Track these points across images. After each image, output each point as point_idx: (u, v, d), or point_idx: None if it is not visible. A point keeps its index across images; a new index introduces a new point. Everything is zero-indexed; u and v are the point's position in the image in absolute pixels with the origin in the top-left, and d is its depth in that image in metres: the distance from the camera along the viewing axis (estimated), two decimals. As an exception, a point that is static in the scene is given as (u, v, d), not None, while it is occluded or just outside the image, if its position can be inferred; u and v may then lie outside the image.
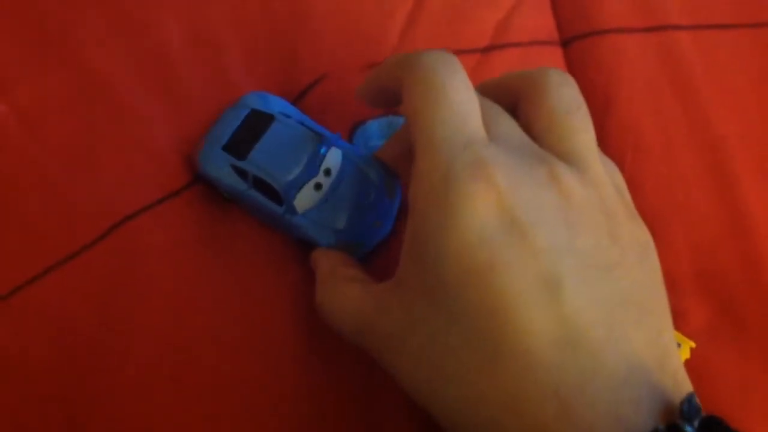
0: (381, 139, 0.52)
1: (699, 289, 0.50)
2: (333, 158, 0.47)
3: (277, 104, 0.50)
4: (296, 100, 0.53)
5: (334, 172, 0.47)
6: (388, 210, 0.48)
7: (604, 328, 0.33)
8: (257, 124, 0.48)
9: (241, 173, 0.47)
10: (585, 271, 0.34)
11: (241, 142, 0.48)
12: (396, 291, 0.38)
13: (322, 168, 0.47)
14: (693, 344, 0.45)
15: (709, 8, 0.57)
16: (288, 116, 0.48)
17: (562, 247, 0.34)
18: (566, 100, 0.39)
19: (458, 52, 0.55)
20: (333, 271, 0.45)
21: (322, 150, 0.47)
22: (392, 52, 0.54)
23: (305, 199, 0.47)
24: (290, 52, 0.54)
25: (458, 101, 0.37)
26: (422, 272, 0.36)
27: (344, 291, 0.42)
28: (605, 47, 0.56)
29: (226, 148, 0.48)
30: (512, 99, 0.41)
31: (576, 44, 0.56)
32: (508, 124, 0.39)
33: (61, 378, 0.46)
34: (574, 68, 0.56)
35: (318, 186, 0.47)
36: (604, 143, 0.52)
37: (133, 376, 0.46)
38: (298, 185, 0.46)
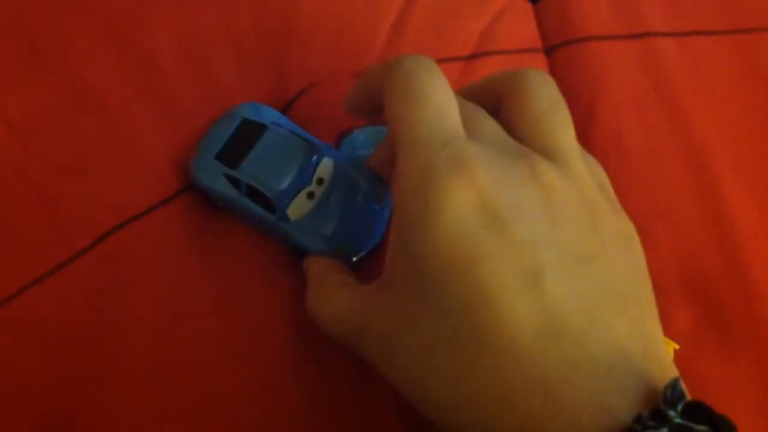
0: (368, 147, 0.52)
1: (683, 292, 0.51)
2: (325, 167, 0.48)
3: (269, 114, 0.50)
4: (285, 108, 0.53)
5: (326, 181, 0.48)
6: (378, 217, 0.49)
7: (587, 317, 0.34)
8: (249, 133, 0.48)
9: (234, 182, 0.48)
10: (566, 262, 0.35)
11: (233, 152, 0.48)
12: (384, 291, 0.39)
13: (315, 177, 0.47)
14: (677, 346, 0.46)
15: (692, 15, 0.58)
16: (280, 126, 0.49)
17: (543, 240, 0.35)
18: (546, 98, 0.40)
19: (443, 60, 0.55)
20: (323, 277, 0.45)
21: (314, 159, 0.47)
22: (379, 61, 0.55)
23: (298, 207, 0.47)
24: (279, 61, 0.55)
25: (437, 101, 0.38)
26: (408, 270, 0.37)
27: (335, 295, 0.43)
28: (588, 54, 0.56)
29: (219, 157, 0.48)
30: (493, 100, 0.41)
31: (559, 52, 0.57)
32: (487, 123, 0.40)
33: (54, 386, 0.46)
34: (557, 75, 0.56)
35: (310, 195, 0.48)
36: (587, 149, 0.53)
37: (126, 383, 0.46)
38: (290, 194, 0.47)
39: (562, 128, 0.39)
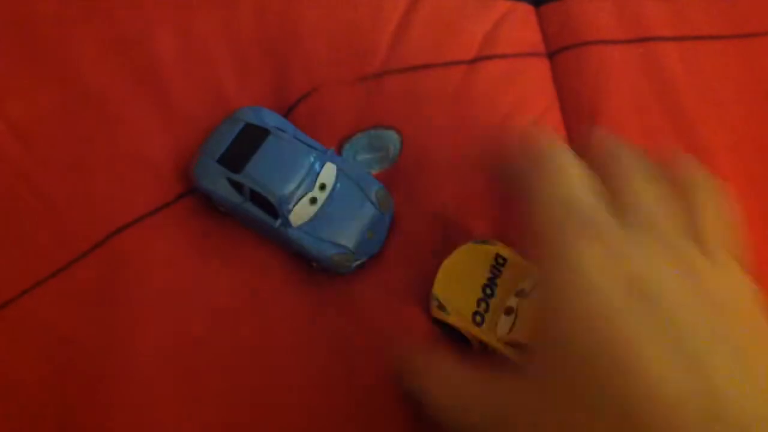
0: (369, 152, 0.52)
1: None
2: (328, 173, 0.48)
3: (271, 118, 0.50)
4: (287, 113, 0.53)
5: (329, 187, 0.48)
6: (381, 223, 0.49)
7: (749, 403, 0.32)
8: (252, 138, 0.48)
9: (237, 186, 0.48)
10: (721, 346, 0.33)
11: (236, 156, 0.48)
12: (526, 377, 0.38)
13: (318, 182, 0.48)
14: None
15: (694, 19, 0.58)
16: (283, 131, 0.49)
17: (696, 321, 0.34)
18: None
19: (446, 64, 0.55)
20: (446, 368, 0.43)
21: (317, 164, 0.47)
22: (381, 66, 0.55)
23: (300, 212, 0.47)
24: (281, 66, 0.54)
25: (574, 176, 0.38)
26: (554, 348, 0.35)
27: (467, 386, 0.41)
28: (591, 59, 0.56)
29: (221, 161, 0.48)
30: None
31: (562, 56, 0.57)
32: (635, 197, 0.39)
33: (55, 389, 0.46)
34: (560, 79, 0.56)
35: (313, 200, 0.48)
36: (589, 155, 0.53)
37: (126, 386, 0.46)
38: (294, 199, 0.47)
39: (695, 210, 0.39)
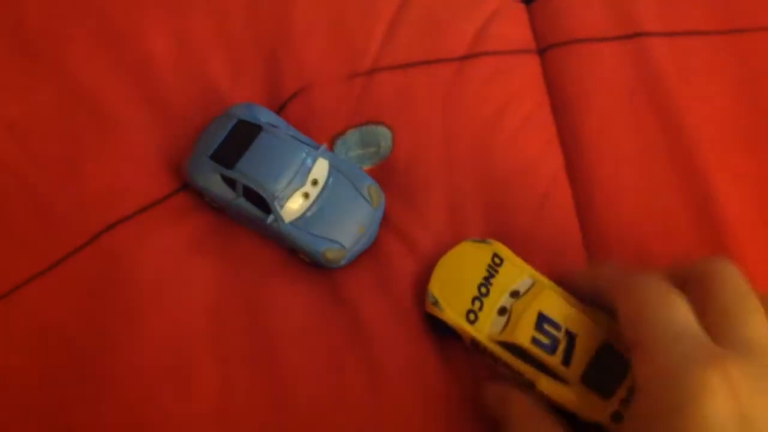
0: (361, 147, 0.53)
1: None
2: (320, 168, 0.48)
3: (264, 115, 0.51)
4: (279, 109, 0.53)
5: (321, 182, 0.48)
6: (372, 218, 0.49)
7: None
8: (245, 134, 0.49)
9: (230, 182, 0.48)
10: None
11: (229, 152, 0.48)
12: None
13: (310, 178, 0.48)
14: None
15: (684, 15, 0.58)
16: (275, 127, 0.49)
17: None
18: (731, 291, 0.40)
19: (437, 61, 0.56)
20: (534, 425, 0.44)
21: (309, 160, 0.48)
22: (373, 63, 0.55)
23: (293, 208, 0.48)
24: (274, 63, 0.55)
25: (679, 305, 0.38)
26: None
27: None
28: (581, 55, 0.57)
29: (214, 157, 0.49)
30: (680, 285, 0.41)
31: (552, 53, 0.57)
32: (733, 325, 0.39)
33: (47, 384, 0.47)
34: (550, 76, 0.57)
35: (306, 195, 0.48)
36: (580, 151, 0.53)
37: (120, 381, 0.47)
38: (286, 195, 0.47)
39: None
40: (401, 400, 0.47)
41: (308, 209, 0.48)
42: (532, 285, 0.46)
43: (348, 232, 0.48)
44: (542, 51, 0.58)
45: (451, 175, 0.52)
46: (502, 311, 0.45)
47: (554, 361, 0.43)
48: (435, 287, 0.47)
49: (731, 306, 0.39)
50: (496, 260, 0.47)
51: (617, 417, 0.42)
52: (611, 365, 0.43)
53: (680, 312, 0.38)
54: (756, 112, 0.55)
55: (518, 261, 0.47)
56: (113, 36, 0.54)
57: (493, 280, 0.46)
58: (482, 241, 0.48)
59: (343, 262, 0.48)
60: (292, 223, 0.48)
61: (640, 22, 0.57)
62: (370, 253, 0.50)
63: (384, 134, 0.53)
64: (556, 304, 0.44)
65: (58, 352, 0.47)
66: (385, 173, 0.52)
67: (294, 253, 0.49)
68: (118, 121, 0.52)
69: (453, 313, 0.46)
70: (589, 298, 0.45)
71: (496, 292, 0.46)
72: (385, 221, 0.50)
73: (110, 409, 0.46)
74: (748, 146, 0.54)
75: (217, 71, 0.54)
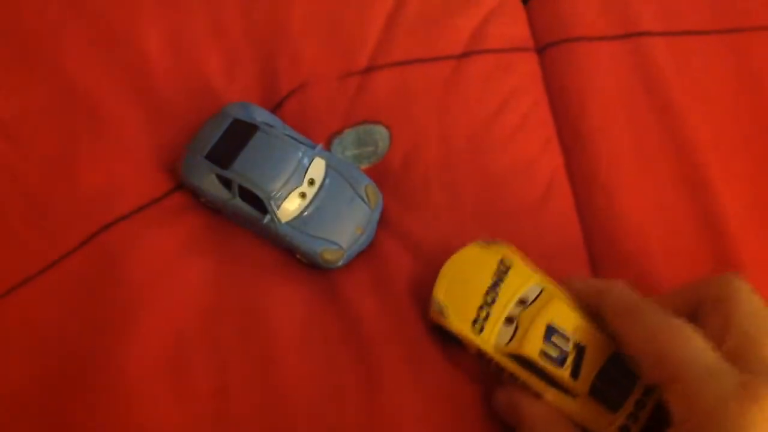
0: (358, 147, 0.52)
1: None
2: (317, 168, 0.48)
3: (259, 114, 0.50)
4: (275, 108, 0.53)
5: (318, 182, 0.48)
6: (369, 219, 0.49)
7: None
8: (240, 133, 0.48)
9: (225, 182, 0.48)
10: None
11: (224, 152, 0.48)
12: None
13: (306, 178, 0.47)
14: None
15: (683, 14, 0.58)
16: (271, 126, 0.49)
17: None
18: (750, 311, 0.40)
19: (435, 59, 0.55)
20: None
21: (306, 160, 0.47)
22: (370, 61, 0.55)
23: (289, 208, 0.47)
24: (269, 62, 0.54)
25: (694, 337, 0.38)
26: None
27: None
28: (579, 54, 0.56)
29: (209, 157, 0.48)
30: (691, 309, 0.41)
31: (550, 51, 0.57)
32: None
33: (43, 385, 0.46)
34: (548, 74, 0.57)
35: (302, 195, 0.47)
36: (578, 149, 0.53)
37: (116, 382, 0.46)
38: (282, 195, 0.47)
39: None
40: (398, 400, 0.46)
41: (305, 209, 0.48)
42: (540, 293, 0.45)
43: (346, 233, 0.48)
44: (541, 49, 0.58)
45: (449, 175, 0.52)
46: (509, 321, 0.44)
47: (563, 374, 0.42)
48: (440, 294, 0.45)
49: (751, 330, 0.39)
50: (503, 266, 0.46)
51: (625, 430, 0.41)
52: (619, 378, 0.42)
53: (700, 347, 0.38)
54: (755, 110, 0.55)
55: (526, 266, 0.46)
56: (108, 36, 0.54)
57: (499, 288, 0.45)
58: (490, 243, 0.46)
59: (340, 263, 0.48)
60: (288, 223, 0.47)
61: (639, 21, 0.57)
62: (368, 254, 0.49)
63: (381, 133, 0.52)
64: (564, 315, 0.43)
65: (54, 353, 0.47)
66: (382, 173, 0.51)
67: (291, 254, 0.49)
68: (113, 122, 0.52)
69: (459, 323, 0.45)
70: (592, 309, 0.44)
71: (503, 300, 0.45)
72: (383, 221, 0.50)
73: (106, 409, 0.46)
74: (747, 144, 0.54)
75: (212, 70, 0.54)
